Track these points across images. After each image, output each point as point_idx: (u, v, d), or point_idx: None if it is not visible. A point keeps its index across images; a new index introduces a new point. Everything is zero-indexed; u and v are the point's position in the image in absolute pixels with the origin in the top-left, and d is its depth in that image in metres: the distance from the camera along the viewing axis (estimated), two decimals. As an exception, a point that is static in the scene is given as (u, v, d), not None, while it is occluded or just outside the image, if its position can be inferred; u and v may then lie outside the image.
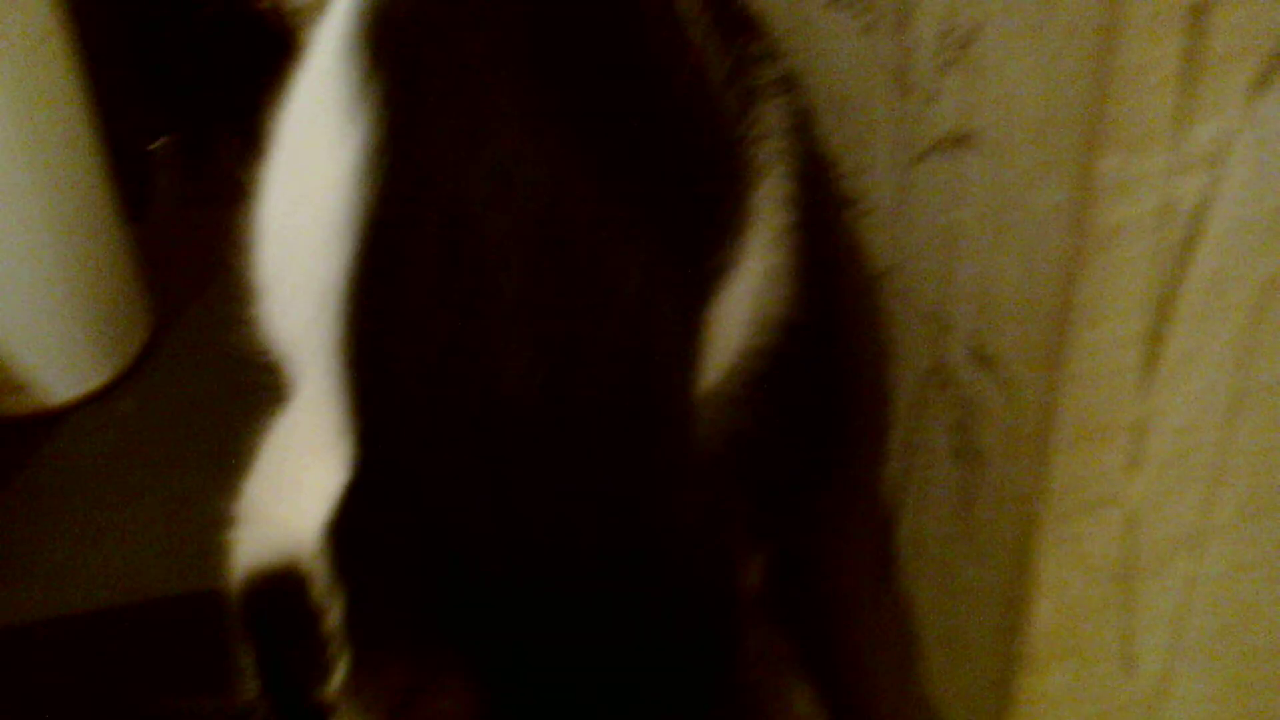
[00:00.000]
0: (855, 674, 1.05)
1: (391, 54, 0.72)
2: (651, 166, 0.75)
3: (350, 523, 0.67)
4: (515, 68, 0.71)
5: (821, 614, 1.04)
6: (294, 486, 0.70)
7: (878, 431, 0.94)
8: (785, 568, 0.90)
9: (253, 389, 0.77)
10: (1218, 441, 0.76)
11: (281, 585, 0.68)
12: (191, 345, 0.87)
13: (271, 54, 1.12)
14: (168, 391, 0.83)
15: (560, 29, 0.74)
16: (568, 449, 0.68)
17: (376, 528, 0.67)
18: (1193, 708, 0.89)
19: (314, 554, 0.68)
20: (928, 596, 0.93)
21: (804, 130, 0.86)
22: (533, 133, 0.71)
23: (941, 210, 0.80)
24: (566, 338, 0.69)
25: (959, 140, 0.77)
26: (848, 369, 0.96)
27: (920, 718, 0.97)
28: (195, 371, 0.84)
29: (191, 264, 0.93)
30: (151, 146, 1.23)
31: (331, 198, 0.70)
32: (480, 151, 0.70)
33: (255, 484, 0.71)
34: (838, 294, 0.92)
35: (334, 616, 0.67)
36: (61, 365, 0.83)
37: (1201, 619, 0.84)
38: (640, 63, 0.77)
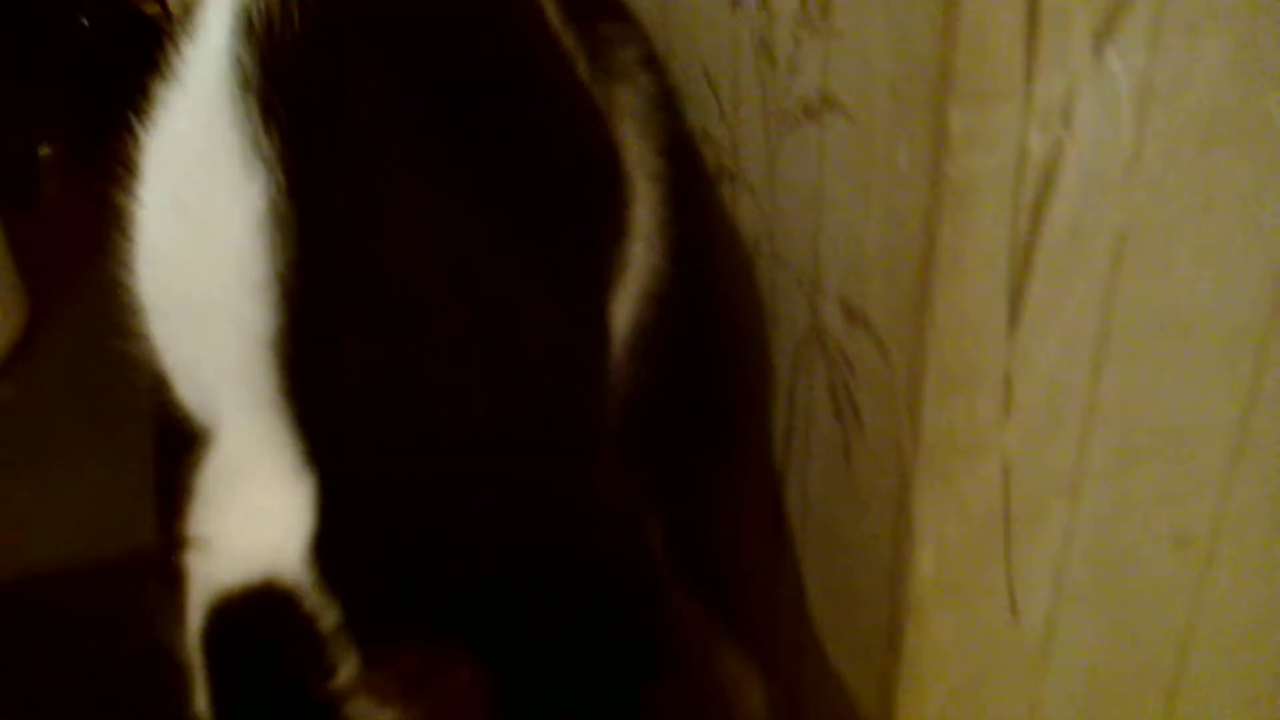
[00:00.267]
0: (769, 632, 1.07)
1: (284, 105, 0.72)
2: (538, 181, 0.80)
3: (332, 537, 0.71)
4: (407, 117, 0.73)
5: (723, 577, 1.06)
6: (247, 515, 0.72)
7: (761, 395, 0.96)
8: (684, 534, 0.92)
9: (126, 378, 0.77)
10: (1086, 389, 0.78)
11: (262, 601, 0.71)
12: (67, 334, 0.87)
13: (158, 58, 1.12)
14: (44, 378, 0.83)
15: (437, 62, 0.75)
16: (504, 458, 0.74)
17: (357, 539, 0.71)
18: (1079, 654, 0.91)
19: (297, 569, 0.71)
20: (816, 552, 0.95)
21: (668, 107, 0.87)
22: (430, 183, 0.75)
23: (809, 175, 0.82)
24: (490, 363, 0.75)
25: (822, 105, 0.79)
26: (728, 337, 0.97)
27: (817, 672, 0.99)
28: (71, 359, 0.85)
29: (69, 256, 0.93)
30: (40, 152, 1.22)
31: (236, 246, 0.72)
32: (387, 206, 0.74)
33: (202, 518, 0.72)
34: (712, 265, 0.94)
35: (330, 620, 0.70)
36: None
37: (1082, 565, 0.86)
38: (512, 75, 0.78)
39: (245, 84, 0.71)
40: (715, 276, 0.96)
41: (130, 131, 0.83)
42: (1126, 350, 0.77)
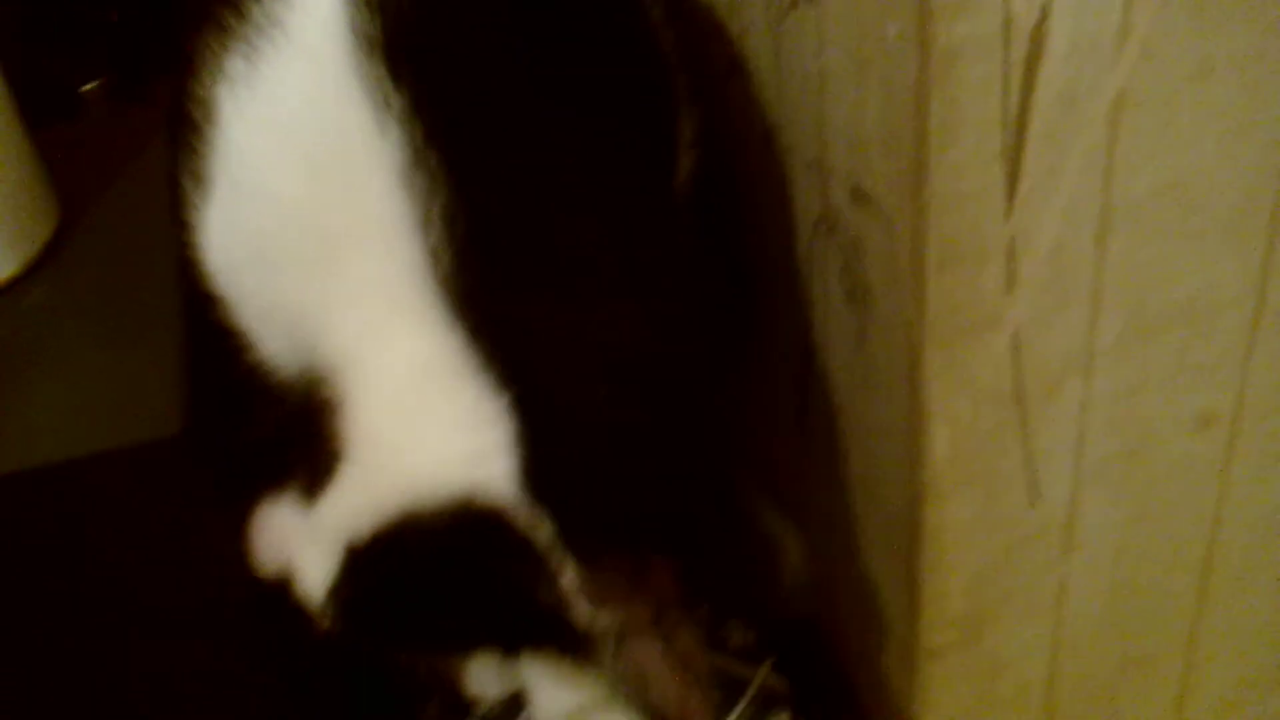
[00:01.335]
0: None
1: (410, 63, 0.76)
2: (629, 93, 0.86)
3: (534, 455, 0.74)
4: (517, 49, 0.80)
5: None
6: (434, 437, 0.76)
7: (782, 284, 0.97)
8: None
9: (156, 281, 0.80)
10: (1092, 261, 0.78)
11: (469, 517, 0.75)
12: (98, 238, 0.90)
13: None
14: (75, 281, 0.86)
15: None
16: (663, 358, 0.80)
17: (557, 455, 0.75)
18: (1105, 535, 0.91)
19: (501, 487, 0.74)
20: (837, 439, 0.96)
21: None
22: (550, 106, 0.79)
23: (811, 58, 0.82)
24: (634, 265, 0.81)
25: (817, -13, 0.79)
26: (749, 229, 0.99)
27: (843, 559, 1.00)
28: (101, 263, 0.87)
29: (100, 164, 0.95)
30: (83, 89, 1.24)
31: (381, 195, 0.75)
32: (520, 135, 0.79)
33: (366, 425, 0.75)
34: (731, 163, 0.95)
35: (542, 533, 0.74)
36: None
37: (1101, 443, 0.86)
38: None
39: (368, 47, 0.75)
40: (734, 174, 0.97)
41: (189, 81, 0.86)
42: (1131, 220, 0.77)
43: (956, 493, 0.85)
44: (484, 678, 1.10)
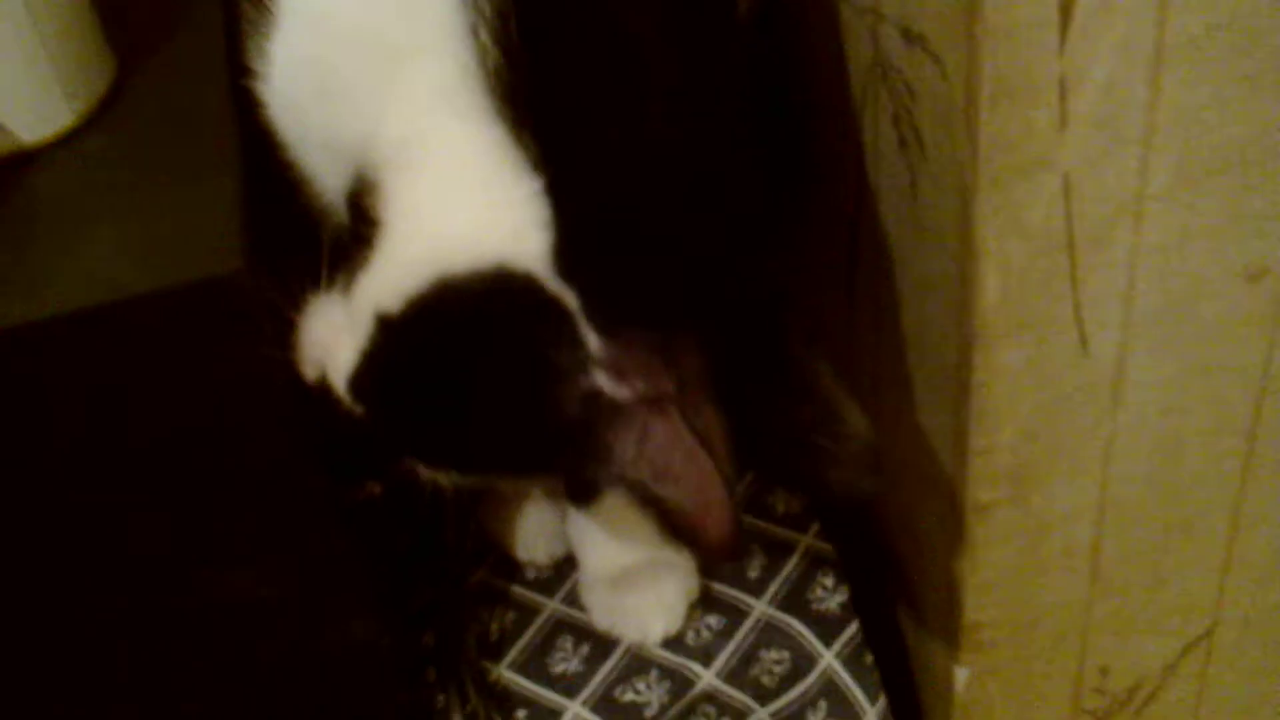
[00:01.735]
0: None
1: None
2: None
3: (577, 239, 0.76)
4: None
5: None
6: (469, 207, 0.77)
7: (830, 135, 0.97)
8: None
9: (211, 128, 0.81)
10: (1145, 101, 0.78)
11: (500, 283, 0.76)
12: (154, 88, 0.91)
13: None
14: (133, 129, 0.87)
15: None
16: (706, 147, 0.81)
17: (590, 231, 0.76)
18: (1152, 390, 0.91)
19: (531, 258, 0.76)
20: (887, 291, 0.96)
21: None
22: None
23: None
24: (684, 56, 0.81)
25: None
26: (804, 73, 0.99)
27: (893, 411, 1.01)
28: (159, 112, 0.88)
29: (156, 15, 0.96)
30: None
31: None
32: None
33: (406, 205, 0.78)
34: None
35: (570, 304, 0.76)
36: (29, 108, 0.87)
37: (1150, 294, 0.86)
38: None
39: None
40: (791, 14, 0.97)
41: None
42: (1184, 59, 0.77)
43: (1006, 340, 0.85)
44: (532, 541, 1.11)
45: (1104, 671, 1.06)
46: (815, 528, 1.12)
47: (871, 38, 0.85)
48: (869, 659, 1.07)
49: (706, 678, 1.06)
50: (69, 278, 0.75)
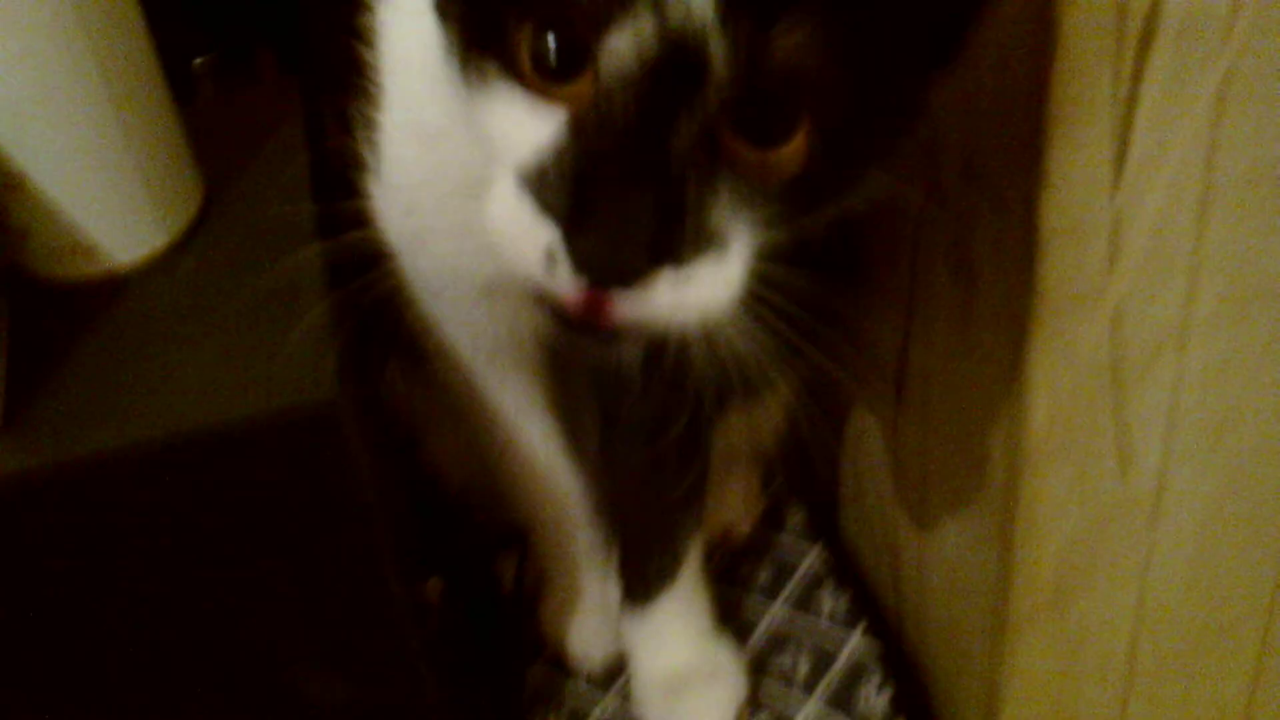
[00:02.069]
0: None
1: None
2: None
3: None
4: None
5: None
6: None
7: (883, 260, 1.00)
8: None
9: (294, 251, 0.84)
10: (1192, 237, 0.82)
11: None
12: (243, 210, 0.94)
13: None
14: (223, 252, 0.90)
15: None
16: None
17: None
18: (1189, 509, 0.94)
19: None
20: (935, 408, 1.00)
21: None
22: None
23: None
24: None
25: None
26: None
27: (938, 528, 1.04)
28: (248, 234, 0.92)
29: (238, 140, 1.00)
30: (194, 63, 1.28)
31: None
32: None
33: None
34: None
35: None
36: (122, 230, 0.90)
37: (1192, 417, 0.90)
38: None
39: None
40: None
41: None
42: (1230, 198, 0.80)
43: (1053, 462, 0.88)
44: (587, 642, 1.14)
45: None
46: (863, 624, 1.15)
47: (928, 168, 0.89)
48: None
49: (756, 777, 1.09)
50: (160, 402, 0.77)
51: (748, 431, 1.18)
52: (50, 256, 0.88)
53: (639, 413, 0.98)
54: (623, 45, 0.62)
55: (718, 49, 0.61)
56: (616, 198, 0.64)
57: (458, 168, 0.83)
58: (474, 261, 0.90)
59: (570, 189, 0.65)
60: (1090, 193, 0.78)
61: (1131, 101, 0.75)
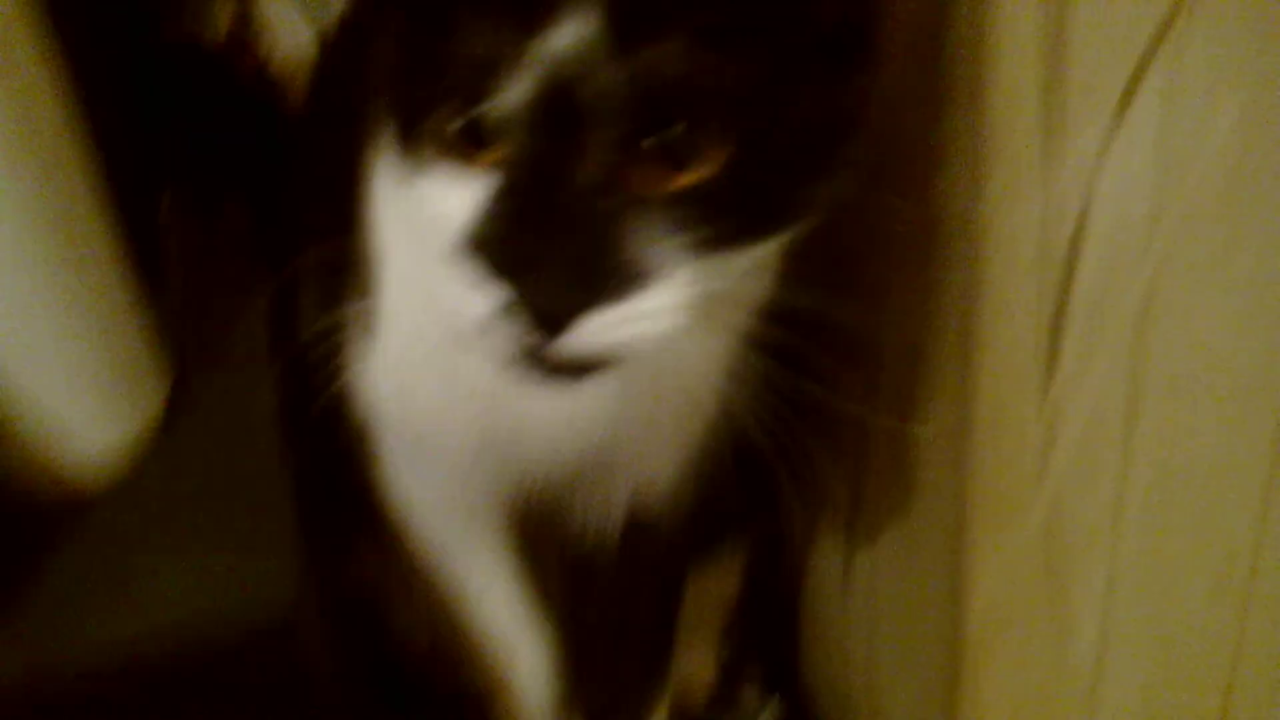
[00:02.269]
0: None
1: None
2: None
3: None
4: None
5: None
6: None
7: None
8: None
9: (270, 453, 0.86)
10: (1121, 435, 0.84)
11: None
12: (207, 405, 0.96)
13: (261, 109, 1.21)
14: (186, 453, 0.92)
15: None
16: None
17: None
18: (1128, 687, 0.96)
19: None
20: (884, 572, 1.01)
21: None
22: None
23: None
24: None
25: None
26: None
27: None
28: (211, 432, 0.93)
29: (207, 333, 1.02)
30: (158, 199, 1.30)
31: None
32: None
33: None
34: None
35: None
36: (87, 435, 0.91)
37: (1128, 597, 0.91)
38: None
39: None
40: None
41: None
42: (1159, 397, 0.83)
43: (994, 642, 0.90)
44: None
45: None
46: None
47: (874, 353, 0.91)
48: None
49: None
50: (123, 614, 0.79)
51: (707, 592, 1.19)
52: (9, 466, 0.88)
53: (608, 588, 0.99)
54: (516, 101, 0.66)
55: (599, 84, 0.65)
56: (541, 242, 0.67)
57: (449, 327, 0.85)
58: (461, 421, 0.92)
59: (500, 245, 0.68)
60: (1022, 402, 0.81)
61: (1058, 318, 0.77)
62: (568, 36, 0.64)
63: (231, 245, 1.17)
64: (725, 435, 0.92)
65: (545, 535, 1.05)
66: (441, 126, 0.70)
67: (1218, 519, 0.88)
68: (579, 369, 0.70)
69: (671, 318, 0.69)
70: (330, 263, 0.90)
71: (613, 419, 0.88)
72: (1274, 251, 0.79)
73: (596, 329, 0.68)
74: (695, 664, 1.26)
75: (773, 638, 1.29)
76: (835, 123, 0.73)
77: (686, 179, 0.68)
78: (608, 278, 0.67)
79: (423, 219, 0.72)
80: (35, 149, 0.83)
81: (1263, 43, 0.72)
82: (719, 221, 0.69)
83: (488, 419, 0.89)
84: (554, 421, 0.89)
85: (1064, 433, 0.82)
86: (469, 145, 0.69)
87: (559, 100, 0.66)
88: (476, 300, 0.68)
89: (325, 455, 0.89)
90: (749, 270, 0.73)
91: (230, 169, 1.28)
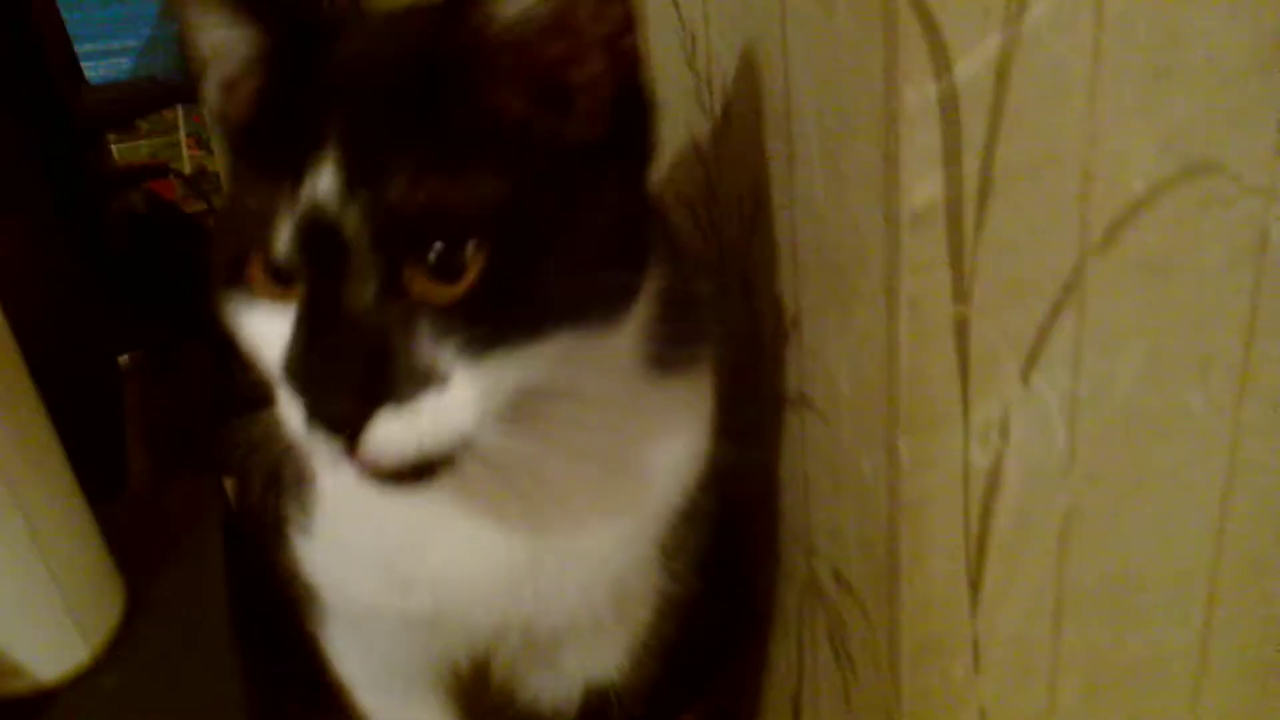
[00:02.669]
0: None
1: None
2: None
3: None
4: None
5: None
6: None
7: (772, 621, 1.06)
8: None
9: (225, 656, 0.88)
10: (1049, 643, 0.87)
11: None
12: (166, 616, 0.98)
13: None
14: (146, 663, 0.94)
15: None
16: None
17: None
18: None
19: None
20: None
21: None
22: None
23: (798, 456, 0.92)
24: None
25: (800, 401, 0.89)
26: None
27: None
28: (171, 643, 0.95)
29: (161, 537, 1.04)
30: (120, 360, 1.32)
31: None
32: None
33: None
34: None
35: None
36: (45, 647, 0.93)
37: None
38: None
39: None
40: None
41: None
42: (1083, 607, 0.86)
43: None
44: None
45: None
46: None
47: (806, 563, 0.94)
48: None
49: None
50: None
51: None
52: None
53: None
54: (288, 243, 0.73)
55: (348, 220, 0.72)
56: (324, 359, 0.73)
57: (388, 513, 0.90)
58: (400, 595, 0.94)
59: (295, 367, 0.74)
60: (950, 616, 0.83)
61: (982, 541, 0.81)
62: (317, 185, 0.72)
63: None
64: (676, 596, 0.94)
65: (498, 708, 1.07)
66: (253, 265, 0.77)
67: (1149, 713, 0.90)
68: (414, 476, 0.75)
69: (465, 415, 0.74)
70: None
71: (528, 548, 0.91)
72: (1186, 477, 0.84)
73: (387, 434, 0.72)
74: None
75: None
76: (605, 219, 0.78)
77: (460, 289, 0.73)
78: (390, 385, 0.72)
79: (263, 350, 0.78)
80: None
81: (1163, 289, 0.76)
82: (489, 324, 0.73)
83: (401, 551, 0.92)
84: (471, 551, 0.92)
85: (992, 646, 0.84)
86: (277, 284, 0.76)
87: (320, 239, 0.73)
88: (293, 418, 0.74)
89: (272, 622, 0.92)
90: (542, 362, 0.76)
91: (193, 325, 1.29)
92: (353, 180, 0.72)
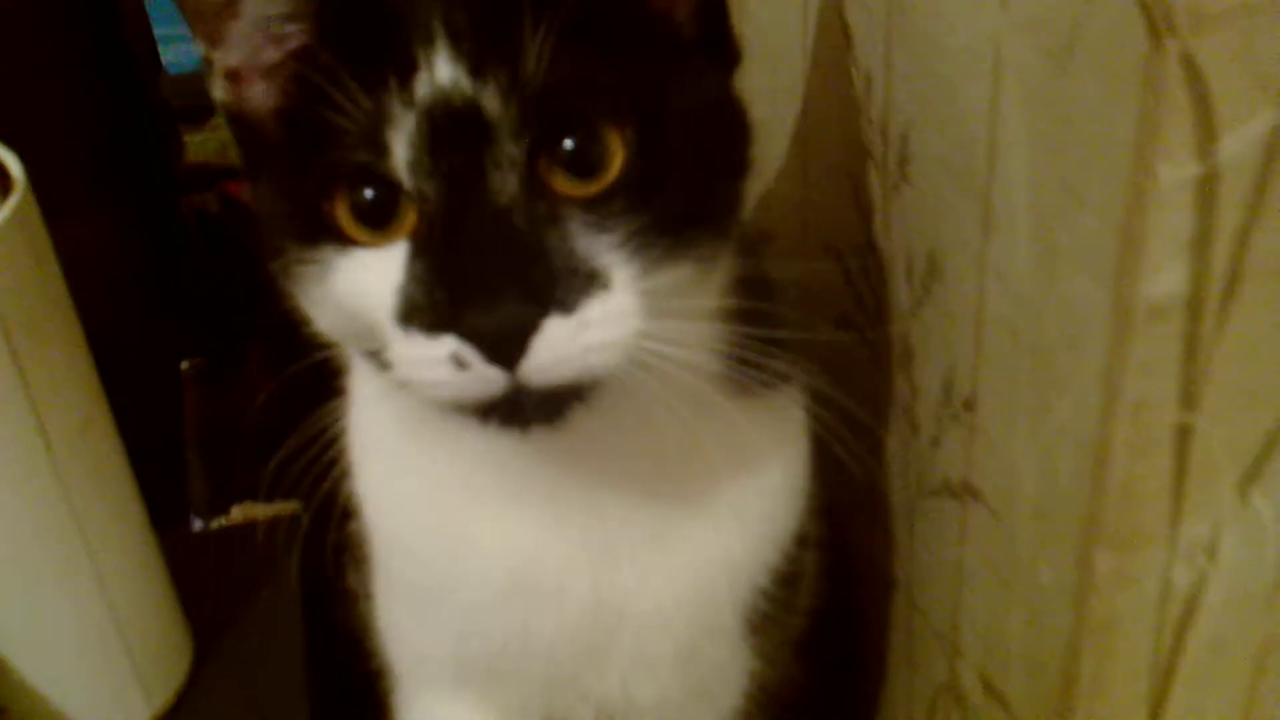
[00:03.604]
0: None
1: None
2: None
3: None
4: None
5: None
6: None
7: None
8: None
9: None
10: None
11: None
12: (230, 677, 0.91)
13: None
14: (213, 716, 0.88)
15: None
16: None
17: None
18: None
19: None
20: None
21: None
22: None
23: (950, 545, 0.83)
24: None
25: (964, 490, 0.80)
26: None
27: None
28: (235, 705, 0.89)
29: (228, 578, 0.97)
30: (182, 366, 1.26)
31: None
32: None
33: None
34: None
35: None
36: (109, 705, 0.87)
37: None
38: None
39: None
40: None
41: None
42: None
43: None
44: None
45: None
46: None
47: (948, 664, 0.86)
48: None
49: None
50: None
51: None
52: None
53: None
54: (405, 145, 0.66)
55: (481, 106, 0.65)
56: (480, 262, 0.65)
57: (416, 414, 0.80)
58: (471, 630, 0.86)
59: (436, 294, 0.66)
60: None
61: (1170, 669, 0.75)
62: (435, 75, 0.65)
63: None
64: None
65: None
66: (338, 210, 0.69)
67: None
68: (556, 404, 0.68)
69: (633, 323, 0.67)
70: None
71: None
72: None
73: (554, 344, 0.65)
74: None
75: None
76: (719, 119, 0.74)
77: (599, 184, 0.67)
78: (548, 289, 0.65)
79: (363, 302, 0.70)
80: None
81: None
82: (639, 219, 0.67)
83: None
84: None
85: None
86: (373, 223, 0.69)
87: (454, 130, 0.65)
88: (427, 365, 0.66)
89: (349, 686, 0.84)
90: (695, 271, 0.70)
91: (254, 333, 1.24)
92: (482, 59, 0.65)
